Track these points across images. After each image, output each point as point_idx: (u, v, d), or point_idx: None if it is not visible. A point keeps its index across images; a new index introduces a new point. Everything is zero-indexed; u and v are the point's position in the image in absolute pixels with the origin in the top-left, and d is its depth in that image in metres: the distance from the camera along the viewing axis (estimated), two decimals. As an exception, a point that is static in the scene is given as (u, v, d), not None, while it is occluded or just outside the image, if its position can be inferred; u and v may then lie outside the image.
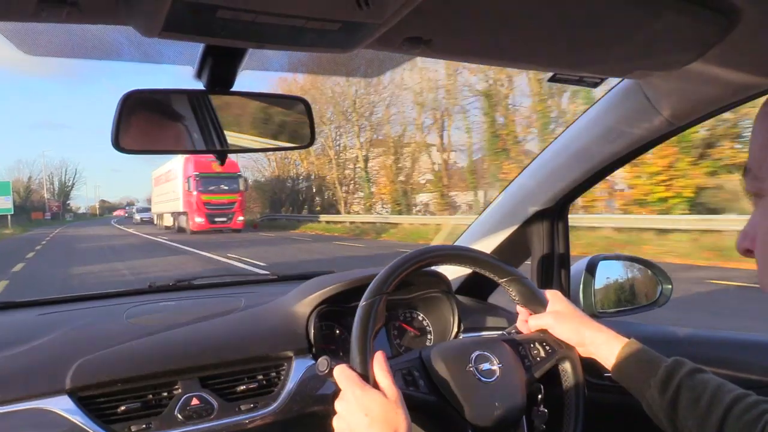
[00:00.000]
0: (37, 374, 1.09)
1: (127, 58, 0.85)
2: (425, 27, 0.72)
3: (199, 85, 0.88)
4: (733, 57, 0.87)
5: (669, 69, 0.98)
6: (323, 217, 30.10)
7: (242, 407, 1.17)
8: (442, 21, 0.71)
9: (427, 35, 0.74)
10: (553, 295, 1.12)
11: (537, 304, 1.11)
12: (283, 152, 17.04)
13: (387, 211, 28.67)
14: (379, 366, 0.89)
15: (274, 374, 1.23)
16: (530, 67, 0.96)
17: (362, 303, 0.96)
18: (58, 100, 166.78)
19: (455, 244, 1.59)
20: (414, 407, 0.89)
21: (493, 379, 1.01)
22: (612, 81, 1.14)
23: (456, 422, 0.98)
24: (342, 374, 0.88)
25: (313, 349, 1.28)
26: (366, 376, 0.89)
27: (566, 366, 1.08)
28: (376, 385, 0.88)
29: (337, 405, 0.87)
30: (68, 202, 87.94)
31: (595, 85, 1.09)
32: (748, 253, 0.59)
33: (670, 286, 1.51)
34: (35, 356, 1.14)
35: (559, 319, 1.08)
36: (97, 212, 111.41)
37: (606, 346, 1.04)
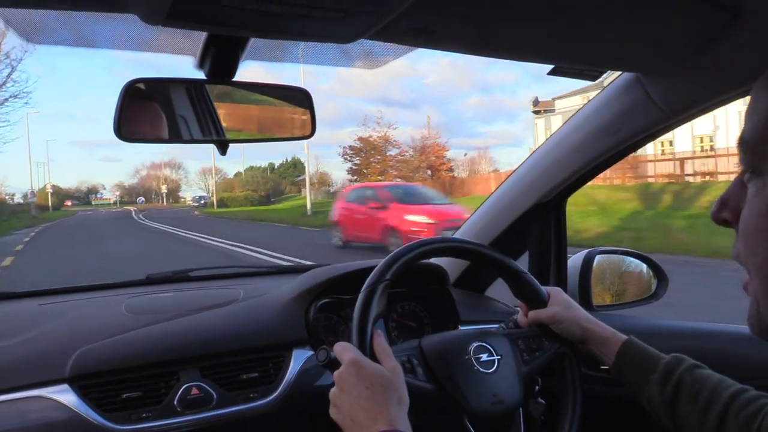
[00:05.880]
0: (37, 363, 1.09)
1: (129, 47, 0.84)
2: (429, 18, 0.72)
3: (201, 75, 0.88)
4: (732, 51, 0.87)
5: (669, 63, 0.98)
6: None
7: (242, 397, 1.17)
8: (446, 12, 0.71)
9: (430, 26, 0.75)
10: (553, 292, 1.13)
11: (537, 300, 1.12)
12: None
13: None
14: (380, 343, 0.90)
15: (273, 365, 1.24)
16: (532, 60, 0.97)
17: (363, 289, 0.97)
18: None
19: (455, 236, 1.59)
20: (412, 395, 0.89)
21: (492, 370, 1.02)
22: (612, 74, 1.15)
23: (453, 411, 0.99)
24: (343, 349, 0.89)
25: (312, 340, 1.29)
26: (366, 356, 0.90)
27: (564, 361, 1.09)
28: (376, 362, 0.89)
29: (336, 378, 0.87)
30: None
31: (595, 78, 1.09)
32: (724, 222, 0.58)
33: (666, 281, 1.52)
34: (36, 345, 1.15)
35: (559, 316, 1.09)
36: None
37: (605, 344, 1.04)
